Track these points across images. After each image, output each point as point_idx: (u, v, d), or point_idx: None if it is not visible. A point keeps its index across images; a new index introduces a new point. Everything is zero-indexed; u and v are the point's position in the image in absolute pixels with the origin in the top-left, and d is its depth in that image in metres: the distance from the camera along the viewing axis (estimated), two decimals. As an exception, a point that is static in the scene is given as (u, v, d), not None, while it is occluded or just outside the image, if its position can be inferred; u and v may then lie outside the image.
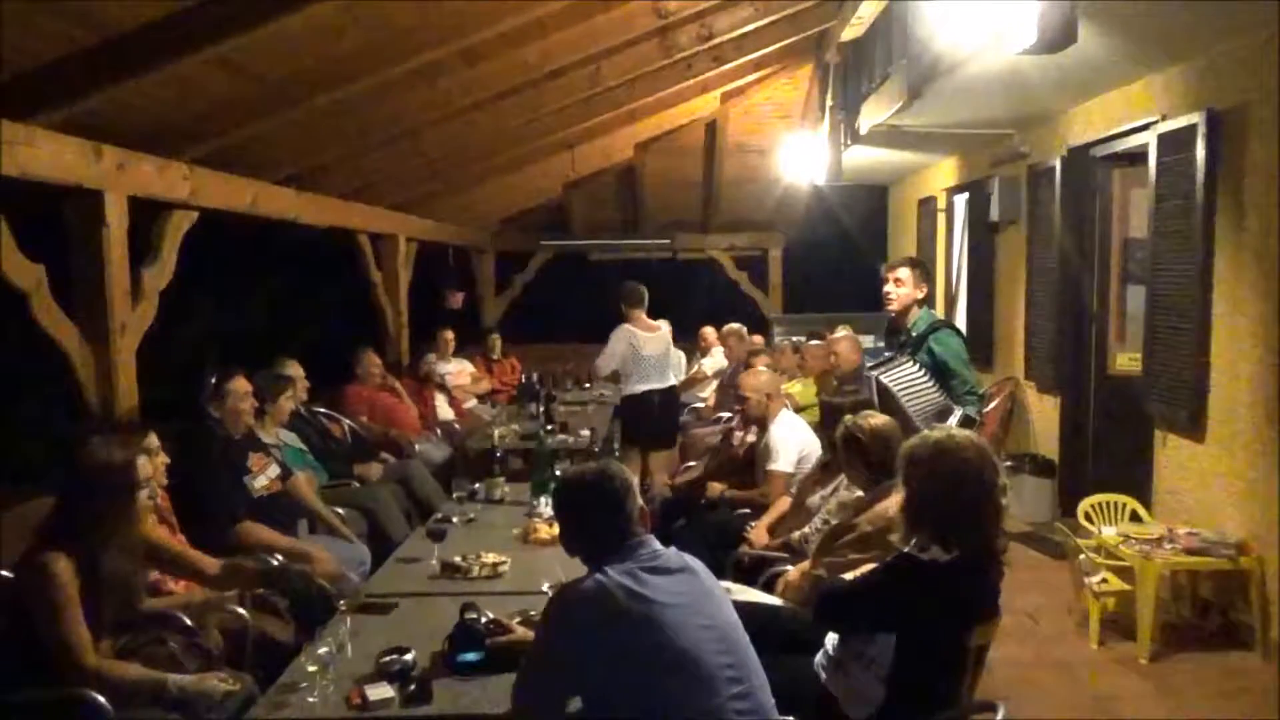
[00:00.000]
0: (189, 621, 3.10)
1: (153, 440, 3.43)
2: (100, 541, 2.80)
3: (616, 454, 6.46)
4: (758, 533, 4.24)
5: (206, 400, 4.24)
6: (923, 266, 4.50)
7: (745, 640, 2.29)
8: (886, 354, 4.67)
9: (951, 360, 4.12)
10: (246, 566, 3.33)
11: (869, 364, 4.60)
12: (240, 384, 4.29)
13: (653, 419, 6.62)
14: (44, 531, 2.82)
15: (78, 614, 2.67)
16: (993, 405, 6.79)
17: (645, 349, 6.51)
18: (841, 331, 6.60)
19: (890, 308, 4.41)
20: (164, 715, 2.66)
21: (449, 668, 2.58)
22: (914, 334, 4.28)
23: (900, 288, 4.33)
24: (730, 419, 6.19)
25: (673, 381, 6.87)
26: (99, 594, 2.77)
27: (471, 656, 2.58)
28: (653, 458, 6.69)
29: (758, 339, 8.61)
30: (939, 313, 6.29)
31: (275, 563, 3.48)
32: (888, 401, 4.05)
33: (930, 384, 4.06)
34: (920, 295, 4.34)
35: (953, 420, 3.91)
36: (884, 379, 4.12)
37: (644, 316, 6.60)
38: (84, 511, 2.80)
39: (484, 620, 2.65)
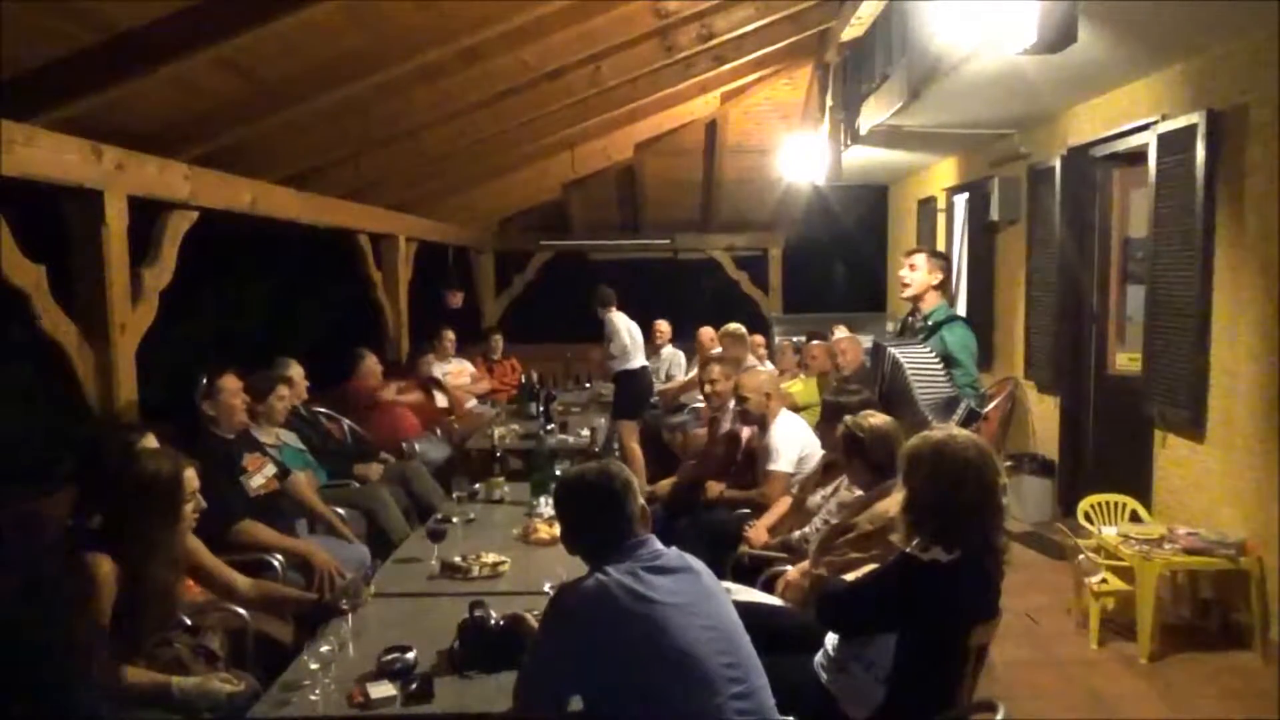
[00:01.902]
0: (189, 622, 3.10)
1: (150, 440, 3.43)
2: (147, 554, 2.79)
3: (616, 454, 6.47)
4: (757, 532, 4.23)
5: (200, 399, 4.23)
6: (939, 255, 4.66)
7: (746, 640, 2.29)
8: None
9: (959, 351, 4.22)
10: (279, 593, 3.32)
11: (886, 340, 4.68)
12: (231, 381, 4.28)
13: (648, 390, 7.81)
14: (83, 532, 2.80)
15: (104, 619, 2.67)
16: (993, 405, 6.79)
17: (635, 332, 7.70)
18: (841, 332, 6.60)
19: (906, 293, 4.55)
20: (166, 717, 2.67)
21: (456, 664, 2.58)
22: (929, 322, 4.39)
23: (915, 273, 4.47)
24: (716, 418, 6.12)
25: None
26: (141, 605, 2.77)
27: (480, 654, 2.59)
28: (627, 427, 7.46)
29: (758, 339, 8.61)
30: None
31: (313, 596, 3.44)
32: (896, 376, 4.12)
33: (942, 372, 4.14)
34: (935, 281, 4.48)
35: (959, 411, 3.99)
36: (897, 353, 4.19)
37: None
38: (132, 522, 2.78)
39: (493, 619, 2.66)
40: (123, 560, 2.72)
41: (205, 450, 3.94)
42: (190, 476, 2.92)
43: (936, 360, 4.15)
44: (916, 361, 4.15)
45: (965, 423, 3.99)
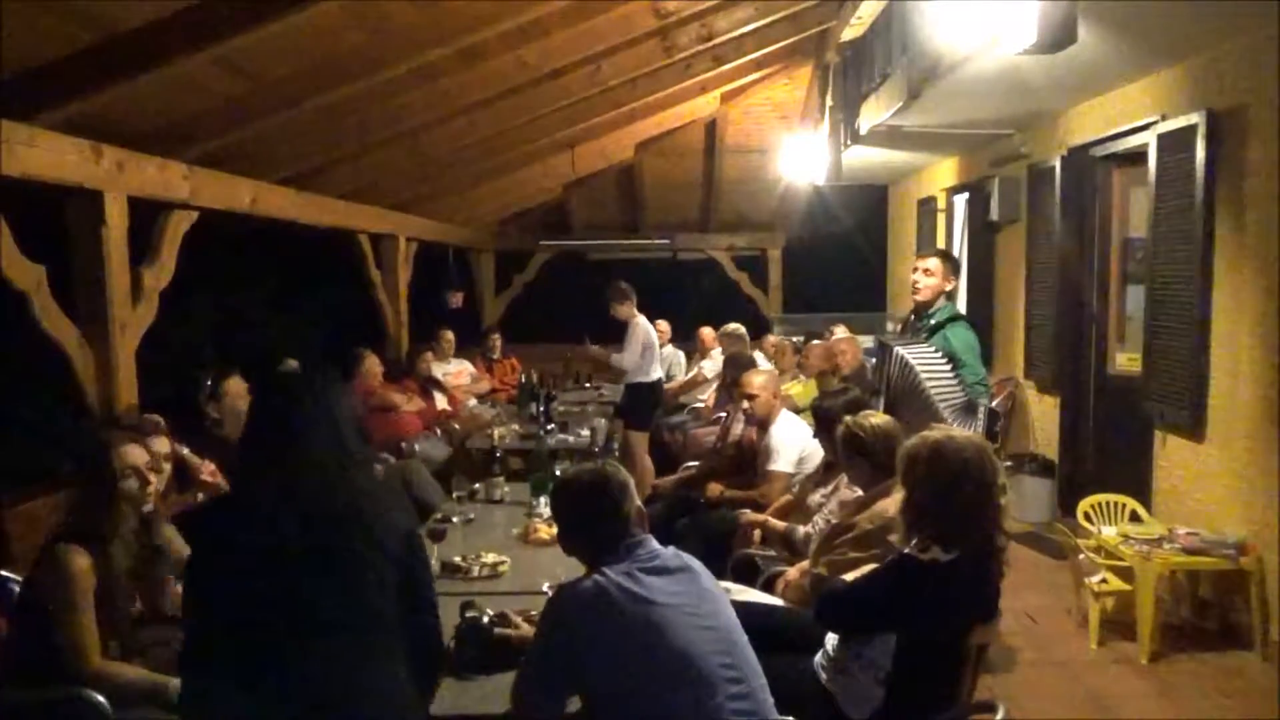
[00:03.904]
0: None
1: (163, 444, 3.42)
2: (111, 539, 2.78)
3: (616, 454, 6.47)
4: (751, 516, 4.26)
5: (204, 401, 4.23)
6: (953, 260, 4.59)
7: (745, 641, 2.29)
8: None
9: (963, 351, 4.17)
10: None
11: (890, 339, 4.62)
12: (237, 384, 4.29)
13: (659, 401, 7.52)
14: (60, 529, 2.80)
15: (90, 613, 2.66)
16: (993, 405, 6.78)
17: (652, 338, 7.29)
18: (841, 332, 6.60)
19: (918, 297, 4.46)
20: (165, 717, 2.66)
21: (454, 666, 2.57)
22: (932, 321, 4.34)
23: (929, 278, 4.39)
24: (724, 416, 6.15)
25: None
26: (116, 593, 2.76)
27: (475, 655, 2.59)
28: (637, 438, 7.26)
29: (773, 339, 8.60)
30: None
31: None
32: (906, 377, 4.07)
33: (950, 371, 4.06)
34: (948, 288, 4.41)
35: (980, 415, 3.95)
36: (905, 353, 4.12)
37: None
38: (97, 510, 2.79)
39: (486, 618, 2.65)
40: (96, 550, 2.72)
41: (207, 451, 3.95)
42: (128, 451, 2.90)
43: (944, 360, 4.10)
44: (926, 362, 4.07)
45: (989, 425, 3.90)
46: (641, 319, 7.24)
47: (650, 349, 7.26)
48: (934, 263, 4.42)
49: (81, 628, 2.64)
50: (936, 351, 4.14)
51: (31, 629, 2.70)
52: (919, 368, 4.05)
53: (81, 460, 2.97)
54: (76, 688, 2.59)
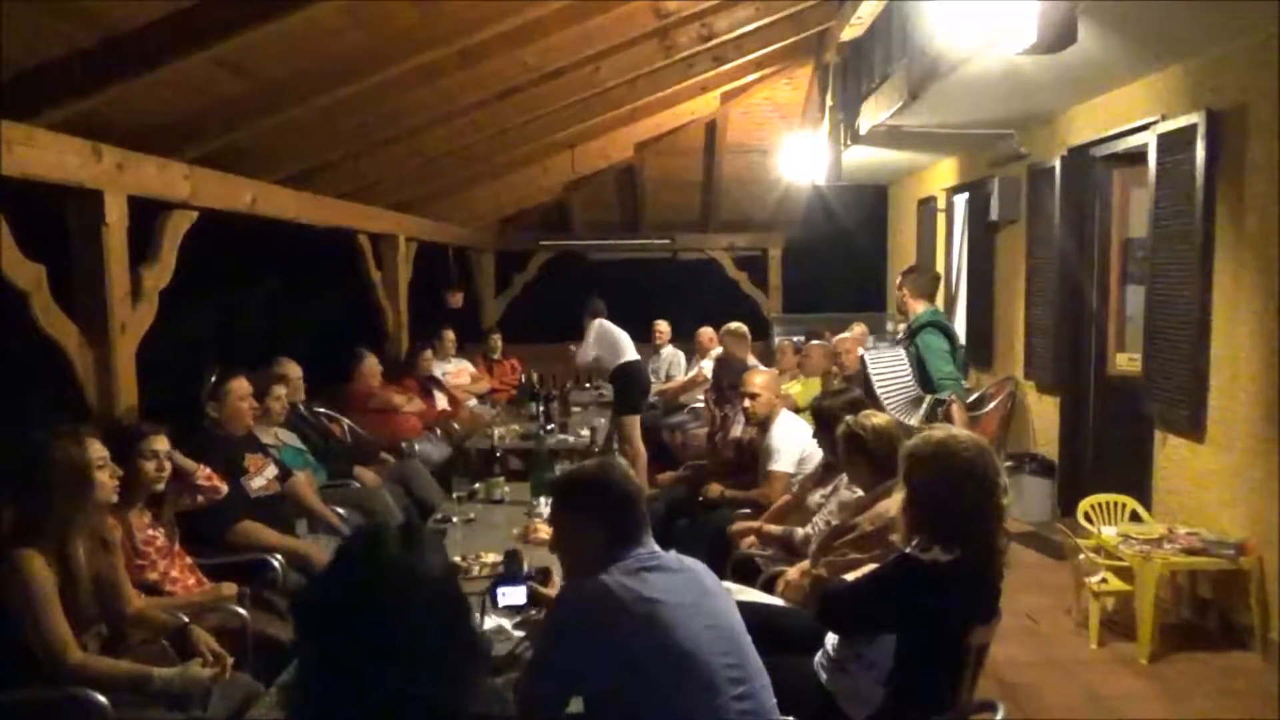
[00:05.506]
0: (186, 620, 3.09)
1: (163, 442, 3.43)
2: (67, 537, 2.77)
3: (615, 451, 6.48)
4: (744, 525, 4.27)
5: (206, 399, 4.24)
6: (916, 271, 5.24)
7: (747, 640, 2.29)
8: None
9: (927, 354, 4.59)
10: (158, 619, 3.10)
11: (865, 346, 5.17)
12: (241, 384, 4.29)
13: (646, 384, 7.70)
14: (13, 531, 2.79)
15: (57, 611, 2.65)
16: (993, 405, 6.79)
17: (619, 332, 7.66)
18: (854, 330, 6.62)
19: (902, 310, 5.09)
20: (165, 716, 2.66)
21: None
22: (911, 327, 4.76)
23: (895, 291, 5.09)
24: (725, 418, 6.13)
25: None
26: (78, 591, 2.76)
27: (512, 593, 2.67)
28: (630, 422, 7.39)
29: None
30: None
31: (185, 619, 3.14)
32: (864, 373, 4.61)
33: (905, 369, 4.54)
34: (898, 294, 5.01)
35: (924, 406, 4.43)
36: (865, 354, 4.65)
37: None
38: (45, 509, 2.76)
39: (527, 571, 2.68)
40: (51, 549, 2.71)
41: (207, 449, 3.95)
42: (94, 446, 2.90)
43: (902, 361, 4.54)
44: (881, 362, 4.55)
45: (931, 411, 4.39)
46: (596, 322, 7.67)
47: (611, 336, 7.56)
48: (898, 279, 5.04)
49: (51, 628, 2.63)
50: (898, 351, 4.65)
51: (2, 633, 2.68)
52: (870, 366, 4.56)
53: (19, 461, 2.92)
54: (62, 685, 2.58)
